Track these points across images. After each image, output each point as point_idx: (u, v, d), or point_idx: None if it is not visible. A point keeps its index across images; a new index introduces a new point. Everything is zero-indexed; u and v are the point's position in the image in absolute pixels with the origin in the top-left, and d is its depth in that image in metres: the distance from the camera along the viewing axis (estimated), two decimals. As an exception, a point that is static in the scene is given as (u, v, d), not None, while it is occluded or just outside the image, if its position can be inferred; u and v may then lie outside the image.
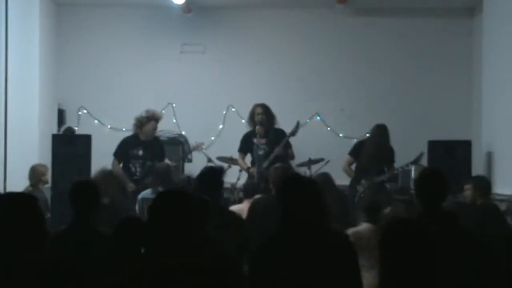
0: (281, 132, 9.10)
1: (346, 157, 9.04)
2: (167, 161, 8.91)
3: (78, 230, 4.57)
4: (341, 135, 10.67)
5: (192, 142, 9.89)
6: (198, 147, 9.48)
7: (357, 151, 8.95)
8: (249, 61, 10.97)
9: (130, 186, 8.49)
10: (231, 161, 9.41)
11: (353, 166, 9.01)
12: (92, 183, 4.93)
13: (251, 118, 9.18)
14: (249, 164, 9.18)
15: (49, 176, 8.34)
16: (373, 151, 8.71)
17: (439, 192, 4.28)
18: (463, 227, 4.27)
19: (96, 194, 4.76)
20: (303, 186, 3.78)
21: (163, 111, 10.68)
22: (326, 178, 7.20)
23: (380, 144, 8.76)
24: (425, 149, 9.09)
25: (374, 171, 8.64)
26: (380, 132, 8.83)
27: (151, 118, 8.95)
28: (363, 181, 8.40)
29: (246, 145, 9.22)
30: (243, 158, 9.31)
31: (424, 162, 9.05)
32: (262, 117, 9.02)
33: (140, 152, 8.90)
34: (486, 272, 4.01)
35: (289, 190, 3.77)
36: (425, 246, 2.78)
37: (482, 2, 9.87)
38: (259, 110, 9.07)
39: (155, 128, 9.01)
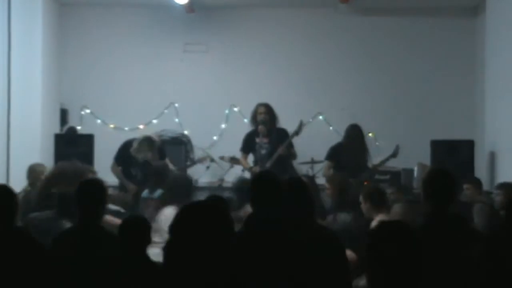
0: (283, 132, 9.06)
1: (325, 163, 8.89)
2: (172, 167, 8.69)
3: (84, 229, 4.54)
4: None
5: (198, 153, 9.96)
6: (204, 159, 9.51)
7: (335, 155, 8.80)
8: (252, 61, 10.96)
9: (132, 188, 8.42)
10: (233, 160, 9.40)
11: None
12: (100, 182, 4.90)
13: (254, 118, 9.13)
14: (251, 164, 9.16)
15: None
16: (355, 150, 8.65)
17: (448, 193, 4.25)
18: (471, 227, 4.24)
19: (104, 193, 4.74)
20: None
21: (166, 111, 10.67)
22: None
23: (359, 142, 8.72)
24: (428, 149, 9.08)
25: (358, 170, 8.52)
26: (357, 131, 8.78)
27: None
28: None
29: (248, 144, 9.19)
30: (246, 158, 9.28)
31: (427, 161, 9.04)
32: (265, 117, 8.98)
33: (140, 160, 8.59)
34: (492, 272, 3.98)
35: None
36: (413, 251, 2.71)
37: (485, 2, 9.84)
38: (261, 109, 9.03)
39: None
